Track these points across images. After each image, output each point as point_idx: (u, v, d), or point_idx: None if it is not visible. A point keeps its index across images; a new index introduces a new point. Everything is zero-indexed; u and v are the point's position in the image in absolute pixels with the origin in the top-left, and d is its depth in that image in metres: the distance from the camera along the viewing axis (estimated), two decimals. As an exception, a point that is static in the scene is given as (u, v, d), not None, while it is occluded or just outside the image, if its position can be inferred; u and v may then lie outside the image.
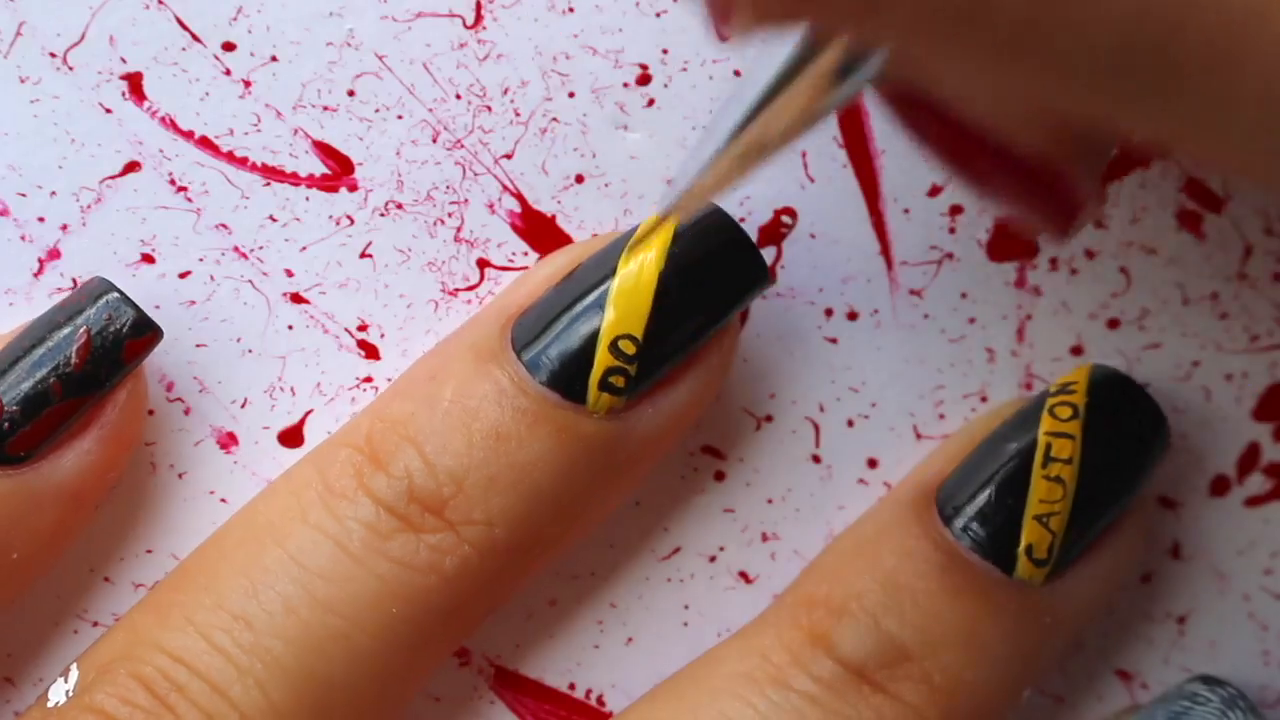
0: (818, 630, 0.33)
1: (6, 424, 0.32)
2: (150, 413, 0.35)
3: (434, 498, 0.32)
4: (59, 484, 0.33)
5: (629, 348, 0.32)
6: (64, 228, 0.34)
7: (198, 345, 0.35)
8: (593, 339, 0.32)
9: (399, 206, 0.35)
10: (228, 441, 0.35)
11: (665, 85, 0.34)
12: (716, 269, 0.33)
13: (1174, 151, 0.34)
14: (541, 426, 0.32)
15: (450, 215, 0.35)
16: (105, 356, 0.33)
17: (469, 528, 0.32)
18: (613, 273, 0.32)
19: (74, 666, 0.33)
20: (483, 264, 0.35)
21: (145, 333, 0.33)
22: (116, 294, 0.33)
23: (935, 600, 0.33)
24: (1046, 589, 0.33)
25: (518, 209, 0.35)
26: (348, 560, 0.32)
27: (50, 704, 0.32)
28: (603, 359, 0.32)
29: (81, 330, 0.32)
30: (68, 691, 0.32)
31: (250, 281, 0.35)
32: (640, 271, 0.32)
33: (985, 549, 0.33)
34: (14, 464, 0.32)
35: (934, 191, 0.35)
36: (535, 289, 0.33)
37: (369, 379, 0.35)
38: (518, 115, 0.34)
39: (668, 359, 0.33)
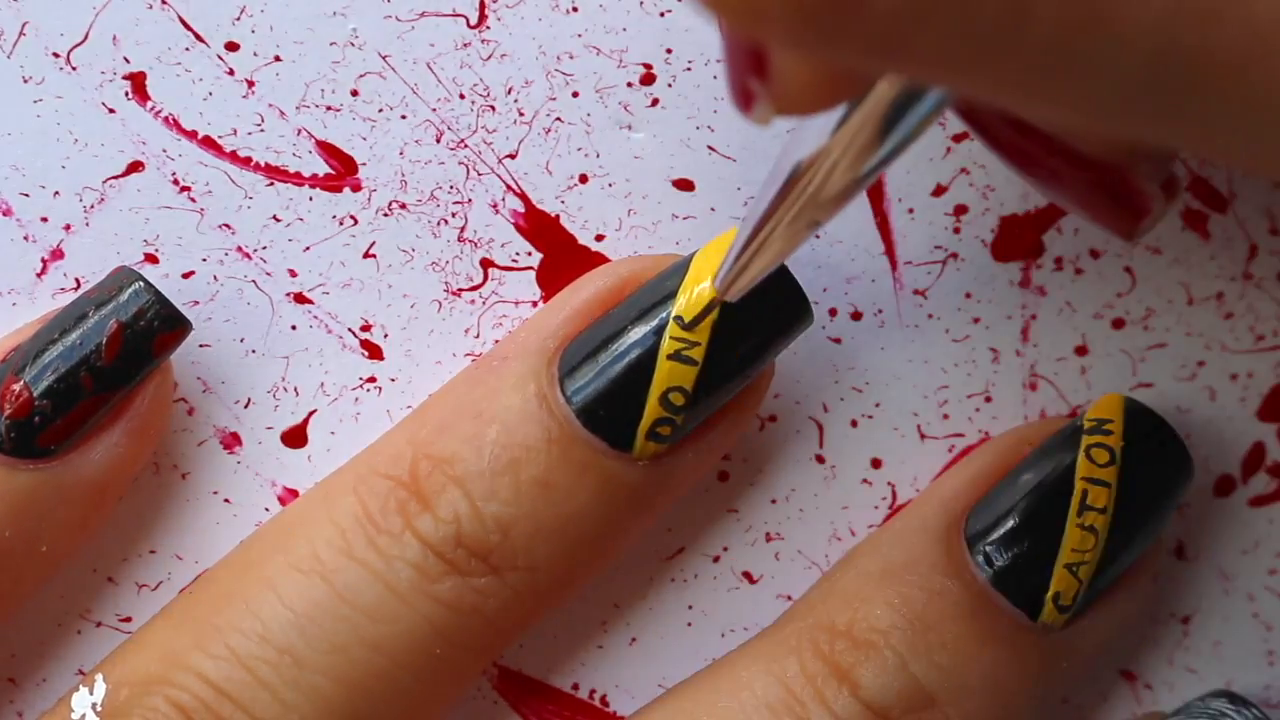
0: (842, 664, 0.33)
1: (37, 418, 0.32)
2: (154, 413, 0.35)
3: (480, 544, 0.32)
4: (88, 477, 0.33)
5: (679, 399, 0.32)
6: (67, 228, 0.34)
7: (201, 345, 0.35)
8: (644, 391, 0.32)
9: (402, 206, 0.35)
10: (231, 442, 0.35)
11: (669, 85, 0.34)
12: (764, 316, 0.33)
13: (1202, 156, 0.34)
14: (588, 476, 0.32)
15: (454, 215, 0.35)
16: (135, 350, 0.32)
17: (513, 573, 0.32)
18: (664, 321, 0.32)
19: (99, 678, 0.32)
20: (486, 264, 0.35)
21: (175, 326, 0.33)
22: (143, 283, 0.33)
23: (963, 645, 0.33)
24: (1064, 631, 0.33)
25: (521, 209, 0.35)
26: (395, 600, 0.32)
27: (75, 716, 0.32)
28: (653, 411, 0.32)
29: (112, 323, 0.32)
30: (94, 705, 0.32)
31: (254, 281, 0.35)
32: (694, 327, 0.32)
33: (1013, 593, 0.33)
34: (43, 457, 0.32)
35: (938, 191, 0.35)
36: (579, 315, 0.33)
37: (372, 379, 0.35)
38: (521, 115, 0.34)
39: (714, 407, 0.33)
